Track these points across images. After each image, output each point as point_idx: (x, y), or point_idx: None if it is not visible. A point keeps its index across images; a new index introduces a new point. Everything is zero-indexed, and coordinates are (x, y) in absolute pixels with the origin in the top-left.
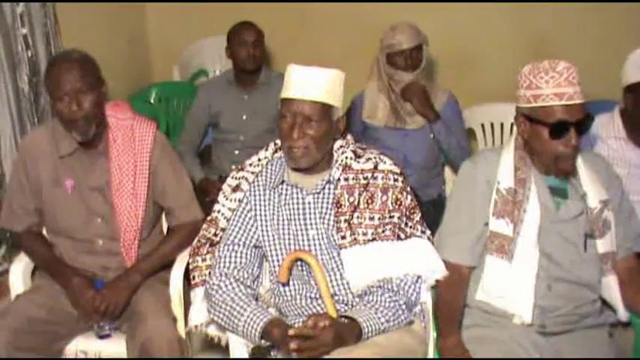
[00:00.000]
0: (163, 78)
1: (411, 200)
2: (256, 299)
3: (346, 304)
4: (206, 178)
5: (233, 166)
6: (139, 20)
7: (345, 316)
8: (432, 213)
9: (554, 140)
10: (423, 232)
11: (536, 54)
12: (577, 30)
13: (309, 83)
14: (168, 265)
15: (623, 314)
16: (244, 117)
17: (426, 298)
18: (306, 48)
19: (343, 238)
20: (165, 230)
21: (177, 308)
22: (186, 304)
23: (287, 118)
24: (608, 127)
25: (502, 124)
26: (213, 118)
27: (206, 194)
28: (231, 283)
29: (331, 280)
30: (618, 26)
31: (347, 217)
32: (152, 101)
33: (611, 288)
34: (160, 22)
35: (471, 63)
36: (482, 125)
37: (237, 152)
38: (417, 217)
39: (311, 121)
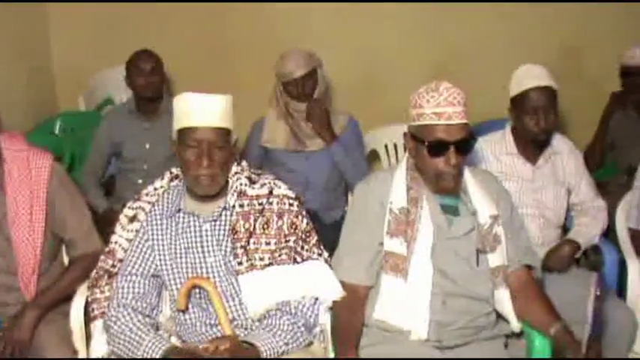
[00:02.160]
0: (70, 108)
1: (307, 224)
2: (157, 328)
3: (246, 329)
4: (110, 209)
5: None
6: (42, 49)
7: (244, 341)
8: (335, 235)
9: (433, 158)
10: (319, 254)
11: (441, 76)
12: (483, 52)
13: (210, 110)
14: (69, 298)
15: (515, 325)
16: (147, 145)
17: (325, 319)
18: (215, 75)
19: (240, 264)
20: (67, 262)
21: (79, 341)
22: (88, 336)
23: (192, 147)
24: (500, 144)
25: (404, 145)
26: (115, 147)
27: (110, 224)
28: (129, 314)
29: (230, 306)
30: (523, 48)
31: (243, 243)
32: (57, 132)
33: (504, 300)
34: (65, 50)
35: (378, 85)
36: (386, 146)
37: (140, 181)
38: (314, 240)
39: (216, 148)
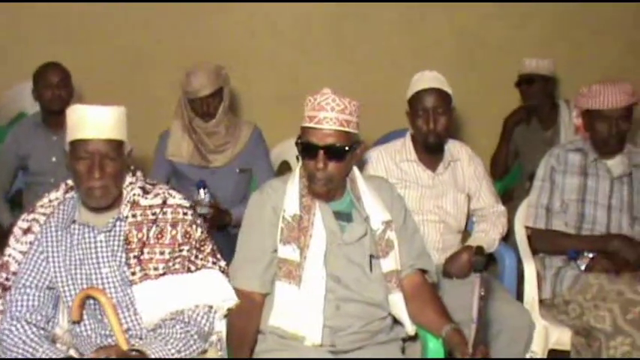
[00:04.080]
0: None
1: (202, 232)
2: (54, 341)
3: (140, 339)
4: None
5: None
6: None
7: (134, 350)
8: None
9: (306, 161)
10: (214, 262)
11: (356, 86)
12: (395, 65)
13: (102, 122)
14: None
15: (410, 328)
16: (54, 159)
17: (221, 326)
18: (126, 88)
19: (133, 274)
20: None
21: None
22: None
23: (84, 159)
24: (400, 152)
25: None
26: (21, 160)
27: None
28: (22, 326)
29: (125, 316)
30: (441, 57)
31: (136, 254)
32: None
33: (398, 304)
34: None
35: (292, 97)
36: (297, 157)
37: None
38: (209, 248)
39: (108, 159)
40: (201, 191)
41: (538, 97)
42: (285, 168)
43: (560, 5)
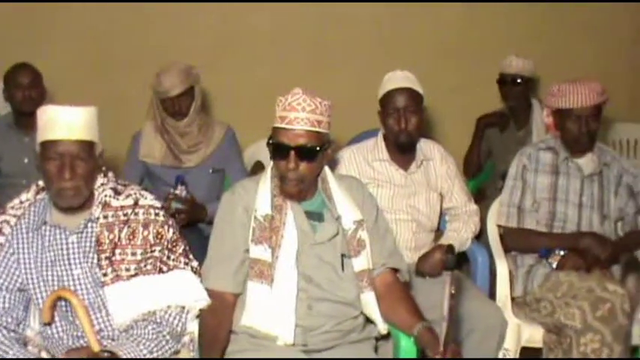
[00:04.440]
0: None
1: (173, 233)
2: (25, 343)
3: (113, 340)
4: None
5: None
6: None
7: (105, 351)
8: None
9: (277, 161)
10: (186, 263)
11: (334, 86)
12: (369, 65)
13: (72, 123)
14: None
15: (382, 327)
16: (26, 160)
17: (193, 327)
18: (98, 88)
19: (105, 275)
20: None
21: None
22: None
23: (55, 160)
24: (372, 152)
25: None
26: None
27: None
28: None
29: (97, 318)
30: (415, 56)
31: (108, 255)
32: None
33: (370, 303)
34: None
35: (271, 97)
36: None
37: None
38: (180, 249)
39: (79, 160)
40: (180, 186)
41: (519, 98)
42: (258, 168)
43: (537, 5)
